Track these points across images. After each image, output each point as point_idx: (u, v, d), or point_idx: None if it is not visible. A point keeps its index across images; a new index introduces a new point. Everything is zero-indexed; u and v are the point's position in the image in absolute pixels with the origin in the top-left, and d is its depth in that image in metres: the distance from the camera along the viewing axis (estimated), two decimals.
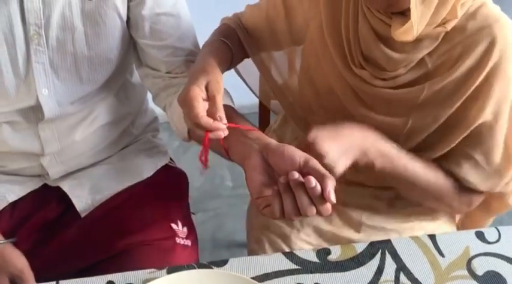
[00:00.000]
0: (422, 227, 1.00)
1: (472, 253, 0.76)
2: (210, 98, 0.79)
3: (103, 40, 0.96)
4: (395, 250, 0.76)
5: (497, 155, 0.86)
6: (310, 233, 1.01)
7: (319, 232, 1.02)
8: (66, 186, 1.05)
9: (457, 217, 1.10)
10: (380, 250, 0.76)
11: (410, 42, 0.79)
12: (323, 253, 0.76)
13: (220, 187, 2.08)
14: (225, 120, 0.78)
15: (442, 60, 0.83)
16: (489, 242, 0.78)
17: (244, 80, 1.22)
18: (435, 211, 1.03)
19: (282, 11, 0.99)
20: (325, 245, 0.96)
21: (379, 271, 0.73)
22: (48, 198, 1.06)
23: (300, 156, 0.73)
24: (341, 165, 0.78)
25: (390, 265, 0.74)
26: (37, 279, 0.84)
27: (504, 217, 1.14)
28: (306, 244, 0.99)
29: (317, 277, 0.72)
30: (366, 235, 0.99)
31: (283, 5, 0.98)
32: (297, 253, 0.76)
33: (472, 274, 0.73)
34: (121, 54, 1.01)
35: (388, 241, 0.78)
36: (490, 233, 0.79)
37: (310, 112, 1.01)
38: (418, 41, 0.81)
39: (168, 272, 0.72)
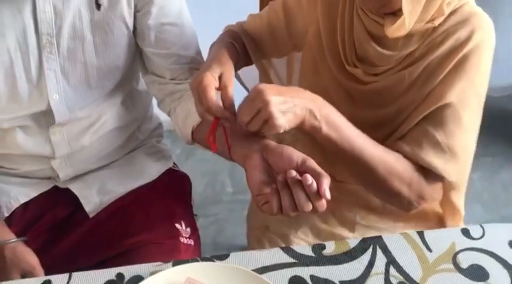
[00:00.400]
0: (412, 227, 1.05)
1: (458, 248, 0.81)
2: (222, 88, 0.84)
3: (111, 49, 1.01)
4: (385, 245, 0.81)
5: (458, 141, 0.89)
6: (308, 233, 1.06)
7: (316, 231, 1.07)
8: (75, 188, 1.10)
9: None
10: (371, 245, 0.81)
11: (401, 39, 0.85)
12: (318, 248, 0.81)
13: (221, 193, 2.13)
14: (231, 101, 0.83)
15: (428, 48, 0.89)
16: (474, 239, 0.83)
17: (244, 85, 1.27)
18: (425, 213, 1.08)
19: (282, 18, 1.05)
20: None
21: (370, 264, 0.78)
22: (58, 199, 1.11)
23: (297, 156, 0.77)
24: (286, 119, 0.78)
25: (381, 259, 0.79)
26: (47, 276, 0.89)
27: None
28: (303, 242, 1.05)
29: (312, 269, 0.77)
30: (360, 234, 1.04)
31: (284, 12, 1.04)
32: (294, 248, 0.81)
33: (457, 267, 0.78)
34: (128, 62, 1.06)
35: (379, 237, 0.82)
36: (475, 230, 0.84)
37: None
38: (409, 37, 0.87)
39: (174, 265, 0.77)
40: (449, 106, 0.87)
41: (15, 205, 1.07)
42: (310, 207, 0.73)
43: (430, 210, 1.08)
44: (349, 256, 0.79)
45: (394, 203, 0.95)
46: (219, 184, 2.17)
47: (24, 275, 0.96)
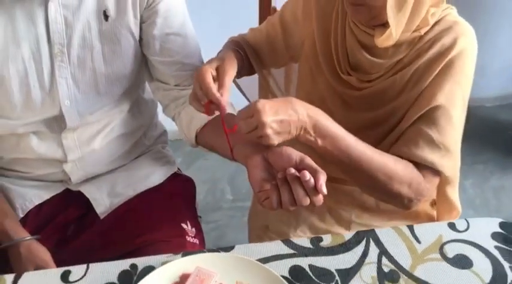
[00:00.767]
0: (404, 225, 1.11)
1: (444, 240, 0.87)
2: (219, 78, 0.91)
3: (118, 57, 1.07)
4: (378, 238, 0.88)
5: (450, 137, 0.96)
6: (306, 231, 1.13)
7: (313, 230, 1.13)
8: (86, 191, 1.15)
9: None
10: (365, 238, 0.88)
11: (390, 47, 0.92)
12: (316, 240, 0.87)
13: (221, 200, 2.19)
14: (227, 98, 0.90)
15: (416, 54, 0.97)
16: (459, 231, 0.89)
17: (242, 91, 1.33)
18: (417, 212, 1.14)
19: (280, 31, 1.12)
20: None
21: (364, 255, 0.85)
22: (70, 201, 1.17)
23: (296, 155, 0.84)
24: (279, 138, 0.84)
25: (374, 250, 0.85)
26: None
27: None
28: None
29: (311, 259, 0.84)
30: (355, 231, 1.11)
31: (281, 26, 1.12)
32: (293, 240, 0.87)
33: (444, 257, 0.84)
34: (134, 69, 1.12)
35: (372, 231, 0.89)
36: (460, 223, 0.91)
37: None
38: (398, 45, 0.95)
39: (183, 256, 0.84)
40: (440, 107, 0.95)
41: (30, 206, 1.13)
42: (308, 201, 0.79)
43: (422, 210, 1.15)
44: (345, 247, 0.86)
45: (395, 203, 1.01)
46: (219, 191, 2.23)
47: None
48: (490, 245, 0.87)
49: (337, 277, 0.80)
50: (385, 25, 0.92)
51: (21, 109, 1.04)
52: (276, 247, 0.86)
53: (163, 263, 0.82)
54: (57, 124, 1.09)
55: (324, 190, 0.78)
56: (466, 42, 0.95)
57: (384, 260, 0.84)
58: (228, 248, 0.85)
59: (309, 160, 0.82)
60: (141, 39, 1.10)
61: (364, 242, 0.87)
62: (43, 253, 1.04)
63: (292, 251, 0.85)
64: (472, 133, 2.41)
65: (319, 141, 0.88)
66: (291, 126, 0.85)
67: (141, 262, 0.83)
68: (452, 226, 0.90)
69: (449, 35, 0.95)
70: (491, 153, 2.47)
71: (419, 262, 0.83)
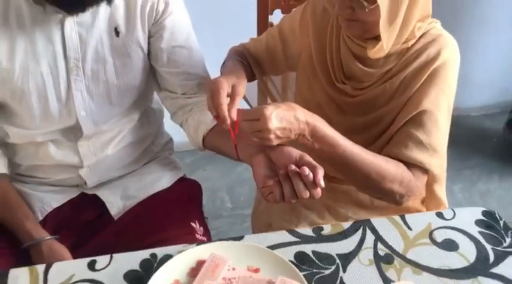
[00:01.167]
0: None
1: (433, 227, 0.97)
2: (232, 97, 1.00)
3: (129, 70, 1.16)
4: (373, 226, 0.97)
5: (437, 138, 1.05)
6: (306, 227, 1.21)
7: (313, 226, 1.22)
8: (101, 194, 1.23)
9: None
10: (362, 226, 0.97)
11: (381, 58, 1.02)
12: (317, 229, 0.96)
13: (220, 208, 2.27)
14: (234, 116, 0.98)
15: (404, 64, 1.07)
16: (446, 219, 0.99)
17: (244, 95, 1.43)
18: (408, 208, 1.23)
19: (279, 43, 1.22)
20: None
21: (361, 241, 0.94)
22: (85, 204, 1.24)
23: (296, 153, 0.93)
24: (279, 141, 0.93)
25: (370, 237, 0.94)
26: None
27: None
28: None
29: (313, 246, 0.92)
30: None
31: (280, 39, 1.22)
32: (297, 230, 0.96)
33: (433, 241, 0.94)
34: (143, 81, 1.20)
35: (368, 220, 0.98)
36: (448, 212, 1.00)
37: None
38: (388, 56, 1.05)
39: (198, 245, 0.92)
40: (426, 111, 1.04)
41: (48, 209, 1.21)
42: (307, 194, 0.88)
43: (413, 206, 1.24)
44: (343, 235, 0.95)
45: (388, 199, 1.09)
46: (218, 200, 2.31)
47: None
48: (474, 230, 0.96)
49: (338, 261, 0.89)
50: (376, 38, 1.02)
51: (40, 120, 1.13)
52: (282, 236, 0.95)
53: (179, 252, 0.90)
54: (73, 133, 1.17)
55: (322, 183, 0.87)
56: (449, 53, 1.05)
57: (380, 245, 0.93)
58: (238, 238, 0.94)
59: (307, 158, 0.92)
60: (149, 52, 1.18)
61: (360, 230, 0.96)
62: (63, 251, 1.11)
63: (296, 239, 0.94)
64: (460, 141, 2.55)
65: (316, 145, 0.98)
66: (291, 132, 0.94)
67: (160, 251, 0.92)
68: (440, 215, 1.00)
69: (434, 47, 1.05)
70: (478, 159, 2.58)
71: (411, 246, 0.92)
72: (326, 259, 0.90)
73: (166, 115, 1.37)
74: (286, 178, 0.90)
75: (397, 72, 1.07)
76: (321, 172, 0.88)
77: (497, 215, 0.99)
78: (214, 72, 1.24)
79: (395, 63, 1.07)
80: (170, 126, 1.39)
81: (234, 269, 0.87)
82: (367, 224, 0.97)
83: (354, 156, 1.00)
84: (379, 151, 1.08)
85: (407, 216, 0.99)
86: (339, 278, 0.86)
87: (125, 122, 1.23)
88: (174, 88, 1.23)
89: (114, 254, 0.91)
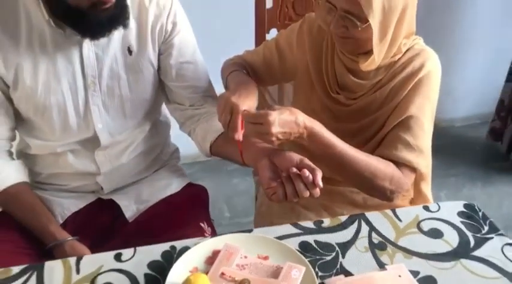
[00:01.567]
0: None
1: (421, 218, 1.08)
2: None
3: (141, 85, 1.27)
4: (367, 219, 1.08)
5: (423, 140, 1.17)
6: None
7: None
8: (116, 199, 1.33)
9: None
10: (357, 219, 1.08)
11: (372, 71, 1.15)
12: (318, 222, 1.07)
13: (220, 218, 2.37)
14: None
15: (392, 75, 1.19)
16: (432, 212, 1.11)
17: None
18: (398, 207, 1.35)
19: (275, 56, 1.35)
20: None
21: (357, 231, 1.05)
22: (102, 209, 1.34)
23: (296, 157, 1.05)
24: (279, 142, 1.05)
25: (365, 228, 1.06)
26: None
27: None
28: None
29: (315, 236, 1.04)
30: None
31: (277, 52, 1.34)
32: (300, 223, 1.07)
33: (421, 230, 1.05)
34: (153, 94, 1.31)
35: (363, 214, 1.10)
36: (433, 206, 1.12)
37: None
38: (377, 69, 1.18)
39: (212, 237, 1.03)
40: (413, 116, 1.17)
41: (68, 214, 1.30)
42: (307, 193, 1.00)
43: (402, 206, 1.36)
44: (341, 226, 1.07)
45: (380, 196, 1.20)
46: (217, 210, 2.41)
47: None
48: (457, 220, 1.08)
49: (337, 248, 1.01)
50: (367, 53, 1.15)
51: (59, 132, 1.23)
52: (286, 229, 1.06)
53: (196, 244, 1.01)
54: (90, 143, 1.28)
55: (321, 184, 0.99)
56: (431, 65, 1.19)
57: (374, 234, 1.04)
58: (246, 231, 1.05)
59: (307, 161, 1.04)
60: (159, 68, 1.30)
61: (356, 222, 1.08)
62: (84, 250, 1.21)
63: (299, 231, 1.05)
64: (445, 150, 2.69)
65: (313, 146, 1.10)
66: (291, 135, 1.07)
67: (178, 244, 1.02)
68: (426, 208, 1.12)
69: (418, 60, 1.18)
70: (462, 167, 2.71)
71: (401, 235, 1.04)
72: (327, 247, 1.01)
73: (172, 127, 1.50)
74: (289, 179, 1.02)
75: (386, 83, 1.20)
76: (319, 174, 1.00)
77: (476, 207, 1.12)
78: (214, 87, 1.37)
79: (384, 74, 1.20)
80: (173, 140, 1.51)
81: (245, 257, 0.98)
82: (362, 217, 1.09)
83: (348, 157, 1.12)
84: (371, 152, 1.20)
85: (398, 210, 1.11)
86: (339, 263, 0.97)
87: (137, 133, 1.34)
88: (183, 100, 1.34)
89: (137, 248, 1.01)
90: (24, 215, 1.24)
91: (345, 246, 1.01)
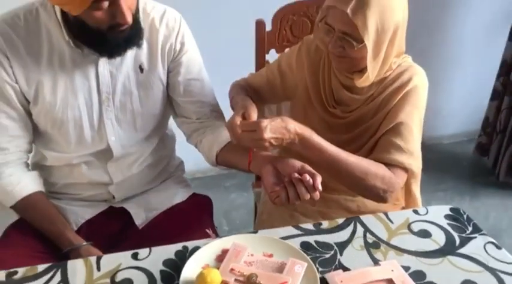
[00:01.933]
0: None
1: (411, 221, 1.19)
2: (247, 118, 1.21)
3: (151, 100, 1.36)
4: (362, 221, 1.18)
5: (413, 144, 1.27)
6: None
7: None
8: (127, 207, 1.42)
9: None
10: (353, 221, 1.18)
11: (365, 86, 1.26)
12: (317, 224, 1.17)
13: (219, 231, 2.42)
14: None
15: (383, 89, 1.30)
16: (421, 214, 1.21)
17: None
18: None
19: (278, 77, 1.46)
20: None
21: (353, 232, 1.15)
22: (113, 216, 1.43)
23: (298, 163, 1.15)
24: (271, 148, 1.16)
25: (360, 229, 1.15)
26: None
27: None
28: None
29: (315, 237, 1.13)
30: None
31: (279, 74, 1.46)
32: (301, 225, 1.17)
33: (411, 231, 1.15)
34: (162, 109, 1.41)
35: (358, 217, 1.20)
36: (422, 210, 1.22)
37: None
38: (370, 85, 1.29)
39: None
40: (403, 122, 1.27)
41: (82, 221, 1.39)
42: (308, 196, 1.10)
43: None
44: (339, 228, 1.16)
45: (373, 196, 1.27)
46: (216, 224, 2.47)
47: None
48: (444, 222, 1.18)
49: (335, 247, 1.10)
50: (361, 71, 1.26)
51: (75, 145, 1.32)
52: (288, 230, 1.16)
53: (205, 244, 1.10)
54: (103, 155, 1.37)
55: (320, 187, 1.09)
56: (418, 79, 1.30)
57: (368, 235, 1.14)
58: (252, 232, 1.14)
59: (308, 167, 1.14)
60: (168, 84, 1.39)
61: (352, 224, 1.17)
62: (99, 254, 1.28)
63: (300, 232, 1.15)
64: (434, 166, 2.81)
65: (306, 151, 1.21)
66: (283, 141, 1.17)
67: (190, 244, 1.11)
68: (416, 211, 1.22)
69: (406, 74, 1.30)
70: (450, 182, 2.82)
71: (393, 235, 1.14)
72: (326, 246, 1.10)
73: (178, 142, 1.60)
74: (291, 184, 1.12)
75: (378, 95, 1.31)
76: (319, 179, 1.10)
77: (461, 211, 1.22)
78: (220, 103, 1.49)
79: (376, 89, 1.31)
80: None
81: (252, 255, 1.07)
82: (357, 220, 1.19)
83: (339, 159, 1.21)
84: (364, 157, 1.30)
85: (389, 213, 1.21)
86: (337, 259, 1.07)
87: (146, 146, 1.43)
88: (190, 114, 1.44)
89: (152, 248, 1.10)
90: (42, 222, 1.32)
91: (342, 245, 1.11)
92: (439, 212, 1.22)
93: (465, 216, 1.20)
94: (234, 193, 2.74)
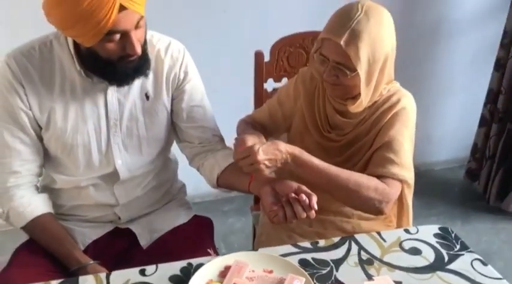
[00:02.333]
0: None
1: (402, 239, 1.26)
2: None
3: (156, 126, 1.44)
4: (356, 240, 1.25)
5: (404, 158, 1.34)
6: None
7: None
8: (132, 228, 1.49)
9: None
10: (348, 240, 1.25)
11: (358, 112, 1.35)
12: (314, 243, 1.24)
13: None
14: None
15: (373, 111, 1.39)
16: (412, 234, 1.28)
17: None
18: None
19: (278, 108, 1.55)
20: None
21: (348, 250, 1.22)
22: (119, 237, 1.49)
23: (295, 184, 1.23)
24: (267, 170, 1.24)
25: (355, 247, 1.22)
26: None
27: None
28: None
29: (312, 254, 1.20)
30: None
31: (279, 106, 1.55)
32: (299, 243, 1.24)
33: (402, 249, 1.22)
34: (166, 134, 1.48)
35: (353, 236, 1.27)
36: (413, 229, 1.30)
37: None
38: (363, 109, 1.37)
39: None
40: (394, 138, 1.35)
41: (89, 241, 1.45)
42: (304, 215, 1.18)
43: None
44: (334, 246, 1.23)
45: (369, 209, 1.33)
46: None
47: None
48: (433, 240, 1.26)
49: (331, 264, 1.17)
50: (354, 98, 1.36)
51: (83, 169, 1.39)
52: (287, 248, 1.22)
53: (209, 261, 1.16)
54: (110, 178, 1.44)
55: (315, 206, 1.17)
56: (406, 101, 1.40)
57: (362, 252, 1.21)
58: (253, 250, 1.21)
59: (304, 187, 1.22)
60: (172, 111, 1.47)
61: (347, 243, 1.24)
62: (106, 272, 1.35)
63: (299, 250, 1.22)
64: (426, 192, 2.89)
65: (299, 170, 1.29)
66: (277, 161, 1.26)
67: (194, 261, 1.17)
68: (407, 231, 1.30)
69: (395, 97, 1.39)
70: (442, 207, 2.89)
71: (386, 253, 1.21)
72: (323, 262, 1.17)
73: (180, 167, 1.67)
74: (288, 203, 1.20)
75: (369, 117, 1.40)
76: (314, 198, 1.18)
77: (449, 229, 1.30)
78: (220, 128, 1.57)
79: (367, 112, 1.40)
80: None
81: (253, 271, 1.14)
82: (352, 238, 1.26)
83: (330, 173, 1.29)
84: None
85: (382, 232, 1.28)
86: (334, 275, 1.14)
87: (150, 169, 1.50)
88: (192, 139, 1.51)
89: (158, 264, 1.16)
90: (50, 242, 1.38)
91: (338, 262, 1.18)
92: (428, 231, 1.29)
93: (453, 235, 1.28)
94: (232, 217, 2.80)
